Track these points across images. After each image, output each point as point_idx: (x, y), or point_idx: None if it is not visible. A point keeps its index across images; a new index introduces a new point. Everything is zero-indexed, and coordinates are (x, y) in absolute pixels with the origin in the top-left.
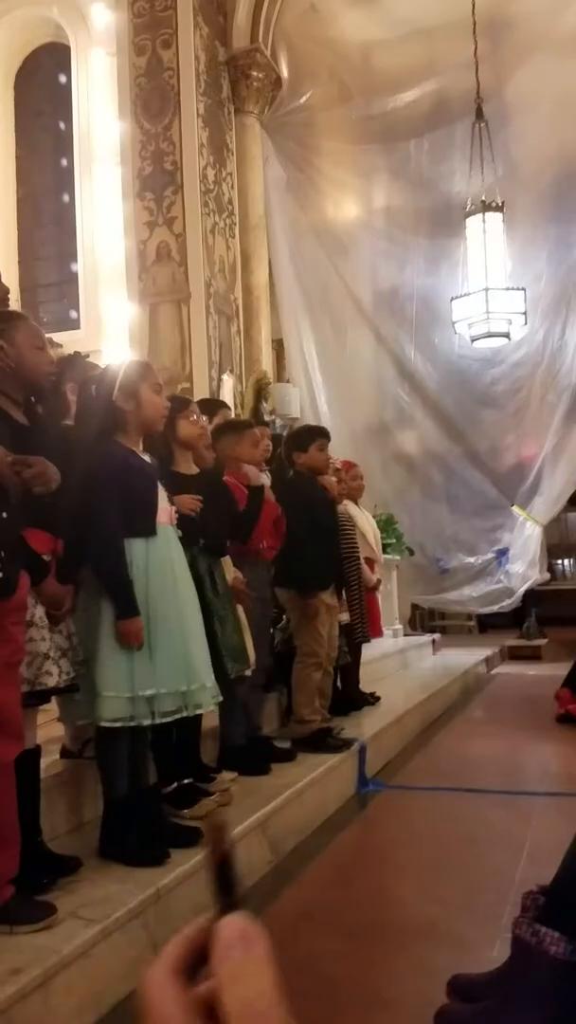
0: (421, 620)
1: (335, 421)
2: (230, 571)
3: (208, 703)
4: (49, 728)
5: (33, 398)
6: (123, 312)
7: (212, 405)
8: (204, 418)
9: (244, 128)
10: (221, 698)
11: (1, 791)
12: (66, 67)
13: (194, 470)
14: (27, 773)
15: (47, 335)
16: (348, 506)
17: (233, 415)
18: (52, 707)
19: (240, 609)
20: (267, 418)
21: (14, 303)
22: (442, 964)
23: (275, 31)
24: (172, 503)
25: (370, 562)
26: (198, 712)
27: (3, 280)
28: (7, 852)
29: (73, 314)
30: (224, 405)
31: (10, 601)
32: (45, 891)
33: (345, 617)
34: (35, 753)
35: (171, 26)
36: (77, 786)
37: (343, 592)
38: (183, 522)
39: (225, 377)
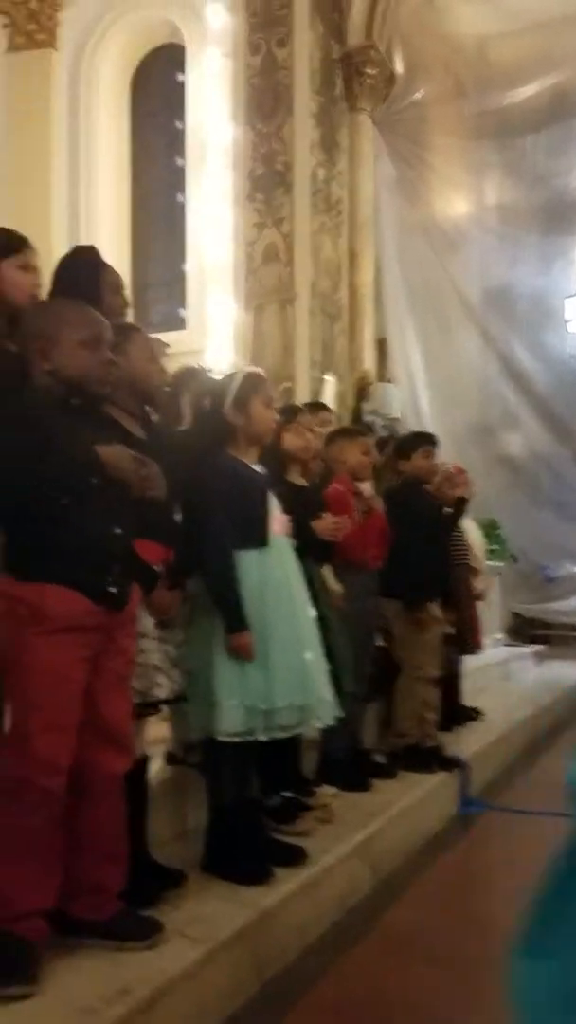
0: (522, 629)
1: (436, 421)
2: (331, 583)
3: (328, 717)
4: (153, 728)
5: (148, 409)
6: (228, 313)
7: (313, 408)
8: (317, 429)
9: (356, 125)
10: (342, 714)
11: (112, 805)
12: (181, 68)
13: (303, 481)
14: (135, 783)
15: (155, 335)
16: None
17: (333, 416)
18: None
19: None
20: (368, 418)
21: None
22: None
23: (390, 27)
24: (285, 513)
25: (473, 572)
26: (319, 727)
27: (124, 290)
28: (116, 867)
29: (181, 313)
30: (324, 407)
31: (122, 614)
32: (151, 905)
33: (450, 628)
34: (142, 762)
35: (287, 25)
36: (181, 793)
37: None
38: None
39: (327, 377)
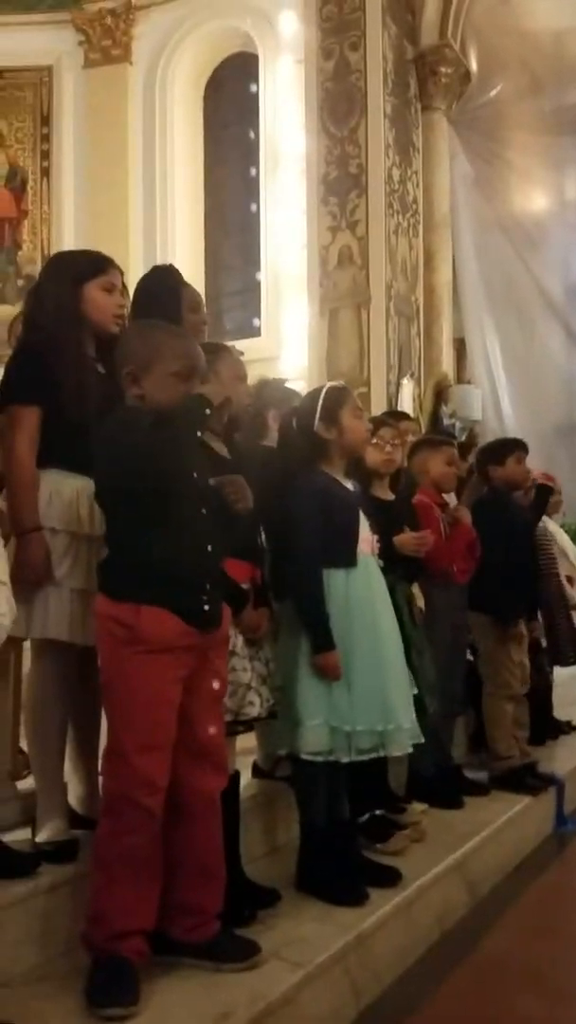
0: None
1: (520, 422)
2: (418, 600)
3: (405, 746)
4: (240, 740)
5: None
6: (302, 318)
7: (396, 418)
8: (396, 442)
9: (431, 125)
10: (421, 739)
11: (208, 825)
12: (254, 77)
13: (390, 495)
14: (228, 800)
15: (230, 343)
16: (547, 522)
17: (416, 426)
18: None
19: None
20: (447, 421)
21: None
22: None
23: (465, 25)
24: (374, 532)
25: (568, 580)
26: (395, 754)
27: (203, 308)
28: (213, 887)
29: (255, 322)
30: (406, 416)
31: (215, 634)
32: (245, 924)
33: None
34: (234, 779)
35: (359, 28)
36: (271, 808)
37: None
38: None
39: (404, 381)
